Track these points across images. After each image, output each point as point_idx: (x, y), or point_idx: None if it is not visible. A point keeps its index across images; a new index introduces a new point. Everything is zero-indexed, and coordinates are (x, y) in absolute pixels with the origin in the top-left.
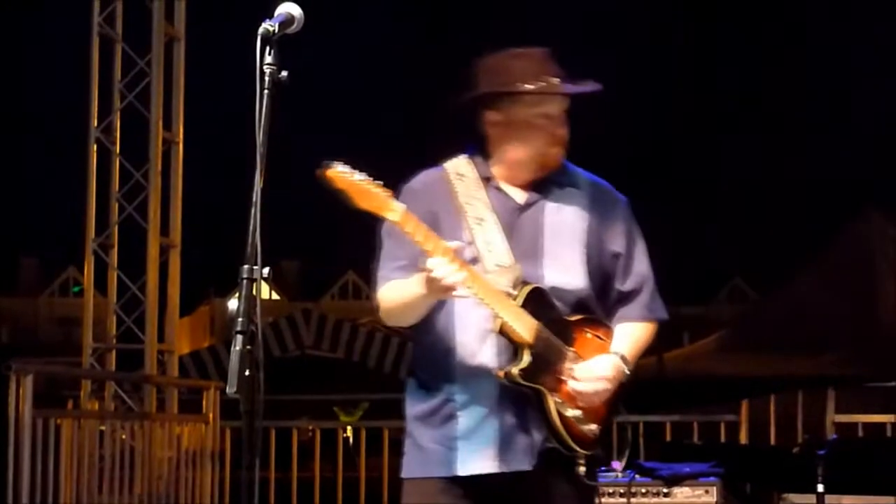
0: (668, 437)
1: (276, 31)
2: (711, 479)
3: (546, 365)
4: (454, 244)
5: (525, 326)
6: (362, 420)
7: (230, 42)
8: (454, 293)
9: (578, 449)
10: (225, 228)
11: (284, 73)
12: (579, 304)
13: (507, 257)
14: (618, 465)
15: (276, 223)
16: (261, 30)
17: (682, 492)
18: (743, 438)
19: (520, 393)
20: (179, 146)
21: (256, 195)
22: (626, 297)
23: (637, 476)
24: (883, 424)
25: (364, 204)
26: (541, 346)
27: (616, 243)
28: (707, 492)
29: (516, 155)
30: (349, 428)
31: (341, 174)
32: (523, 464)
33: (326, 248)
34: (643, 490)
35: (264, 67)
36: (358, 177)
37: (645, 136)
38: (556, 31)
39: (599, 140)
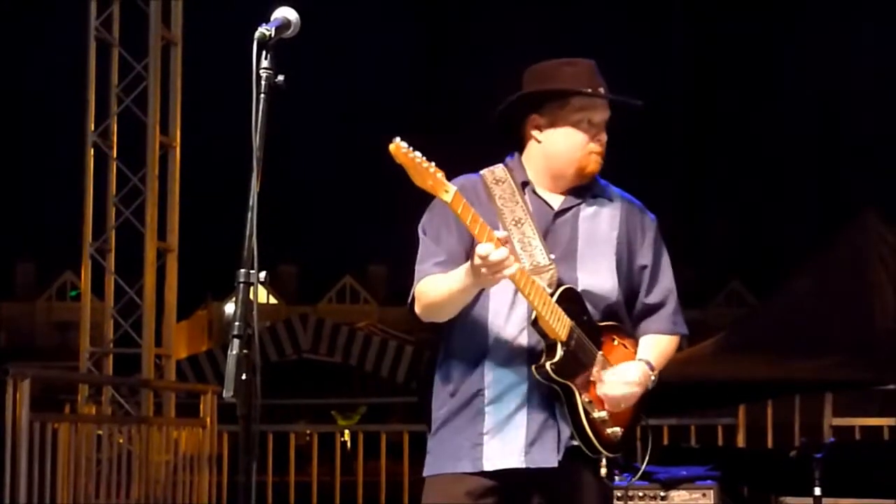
0: (666, 441)
1: (273, 35)
2: (708, 482)
3: (577, 364)
4: (502, 233)
5: (560, 323)
6: (360, 424)
7: (227, 46)
8: (499, 277)
9: (602, 450)
10: (222, 232)
11: (281, 78)
12: (609, 311)
13: (543, 258)
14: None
15: (274, 227)
16: (257, 34)
17: (679, 495)
18: (740, 442)
19: (549, 390)
20: (177, 150)
21: (253, 199)
22: (651, 310)
23: (634, 479)
24: (880, 427)
25: (419, 182)
26: (573, 343)
27: (644, 256)
28: (704, 495)
29: (557, 159)
30: (346, 432)
31: (402, 150)
32: (549, 461)
33: (324, 252)
34: (640, 493)
35: (261, 72)
36: (417, 154)
37: (642, 137)
38: (554, 32)
39: None
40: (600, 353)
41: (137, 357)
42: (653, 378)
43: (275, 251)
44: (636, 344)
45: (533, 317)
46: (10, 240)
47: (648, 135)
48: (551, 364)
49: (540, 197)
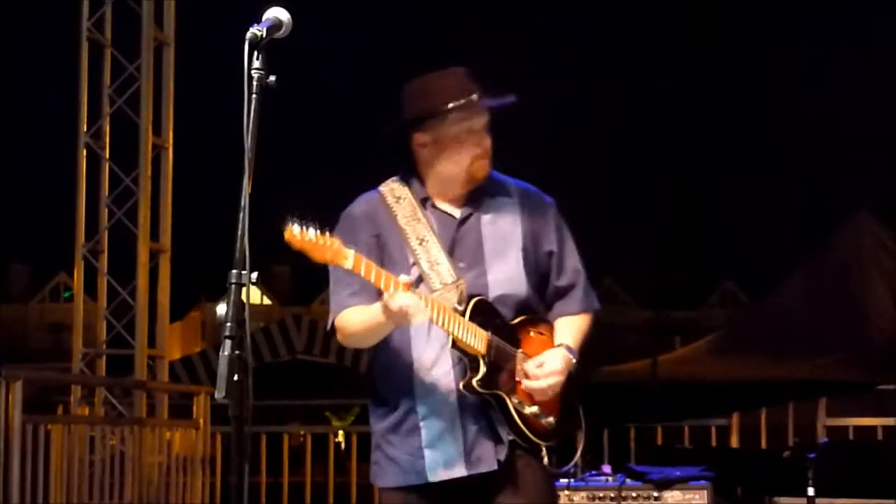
0: (659, 441)
1: (264, 35)
2: (702, 482)
3: (500, 371)
4: (405, 278)
5: (476, 338)
6: (354, 425)
7: (220, 47)
8: (411, 320)
9: (540, 442)
10: (216, 233)
11: (272, 78)
12: (520, 306)
13: (450, 275)
14: (608, 468)
15: (268, 228)
16: (248, 34)
17: (672, 495)
18: (734, 442)
19: (479, 401)
20: (169, 151)
21: (244, 200)
22: (563, 292)
23: (628, 480)
24: (874, 427)
25: (319, 258)
26: (493, 353)
27: (549, 243)
28: (698, 495)
29: (446, 171)
30: (340, 433)
31: (296, 236)
32: (489, 465)
33: None
34: (633, 494)
35: (252, 72)
36: (310, 234)
37: (636, 137)
38: (551, 31)
39: (589, 142)
40: (520, 351)
41: (130, 358)
42: (574, 361)
43: (269, 252)
44: (551, 328)
45: (450, 341)
46: (2, 241)
47: (643, 135)
48: (477, 381)
49: (440, 210)
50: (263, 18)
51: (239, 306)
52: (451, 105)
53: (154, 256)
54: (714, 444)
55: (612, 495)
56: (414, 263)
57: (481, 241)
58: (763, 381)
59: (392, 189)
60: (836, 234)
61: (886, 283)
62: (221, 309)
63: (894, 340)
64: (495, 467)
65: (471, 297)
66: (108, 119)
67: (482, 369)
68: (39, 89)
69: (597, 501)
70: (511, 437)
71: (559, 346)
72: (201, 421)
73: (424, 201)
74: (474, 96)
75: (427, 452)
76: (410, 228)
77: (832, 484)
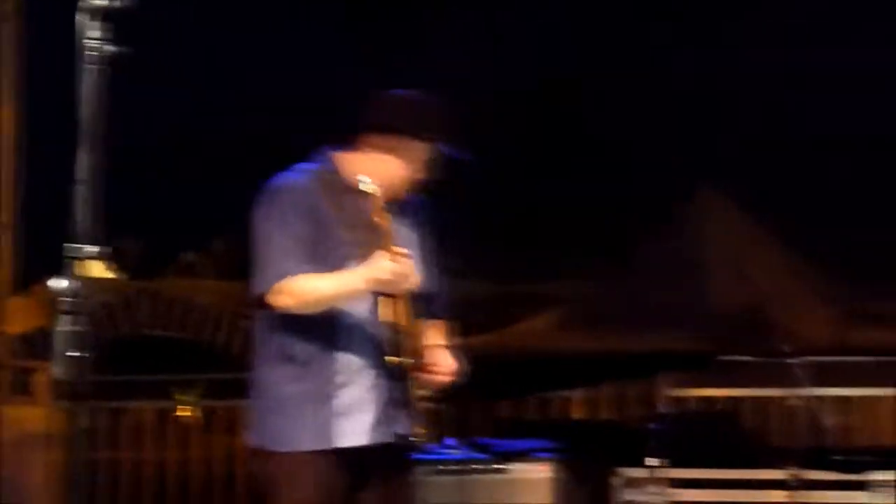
0: (504, 414)
1: (105, 3)
2: (546, 454)
3: (412, 353)
4: (404, 251)
5: (404, 316)
6: (200, 400)
7: (64, 19)
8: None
9: (423, 420)
10: (63, 207)
11: (113, 48)
12: (417, 297)
13: None
14: (452, 441)
15: (115, 201)
16: (84, 2)
17: (516, 468)
18: (576, 413)
19: (391, 374)
20: (10, 125)
21: (83, 173)
22: (433, 296)
23: (471, 452)
24: (715, 398)
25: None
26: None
27: (428, 248)
28: (542, 468)
29: (379, 175)
30: (184, 408)
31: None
32: (387, 436)
33: (165, 226)
34: (477, 466)
35: (88, 41)
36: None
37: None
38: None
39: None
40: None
41: None
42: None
43: (113, 225)
44: (425, 325)
45: (381, 312)
46: None
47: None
48: (400, 356)
49: (365, 199)
50: None
51: (80, 280)
52: (428, 136)
53: None
54: (556, 415)
55: (457, 468)
56: (345, 243)
57: (397, 234)
58: (610, 354)
59: (316, 171)
60: (681, 211)
61: (729, 257)
62: (61, 283)
63: (737, 311)
64: (392, 439)
65: None
66: None
67: (403, 345)
68: None
69: (440, 475)
70: (409, 417)
71: (447, 347)
72: (42, 398)
73: (349, 188)
74: (445, 138)
75: (337, 420)
76: (341, 212)
77: (673, 454)
